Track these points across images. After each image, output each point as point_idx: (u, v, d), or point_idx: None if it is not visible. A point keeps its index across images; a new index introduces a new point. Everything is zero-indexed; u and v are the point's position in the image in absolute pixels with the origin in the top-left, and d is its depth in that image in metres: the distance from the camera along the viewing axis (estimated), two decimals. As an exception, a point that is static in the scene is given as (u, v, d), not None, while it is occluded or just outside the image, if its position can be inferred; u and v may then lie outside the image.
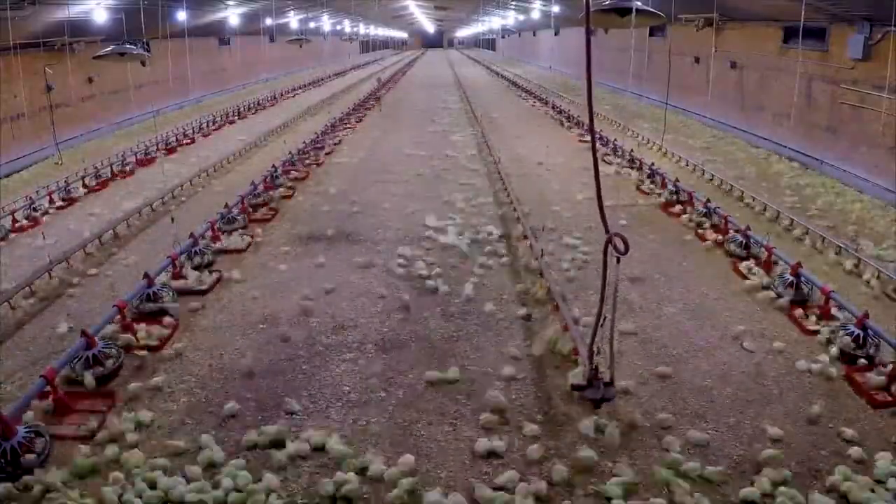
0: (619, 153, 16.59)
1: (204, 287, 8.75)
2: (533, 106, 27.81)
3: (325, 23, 44.61)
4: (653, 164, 14.58)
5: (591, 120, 5.23)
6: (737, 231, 10.08)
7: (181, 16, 21.20)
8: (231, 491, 5.07)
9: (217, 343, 7.41)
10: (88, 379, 6.45)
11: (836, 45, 13.96)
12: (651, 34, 24.55)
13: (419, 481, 5.15)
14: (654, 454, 5.46)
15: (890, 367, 6.40)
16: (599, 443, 5.58)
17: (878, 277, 8.70)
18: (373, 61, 65.44)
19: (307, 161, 16.45)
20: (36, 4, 14.14)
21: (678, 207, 12.08)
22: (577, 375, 6.26)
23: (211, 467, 5.34)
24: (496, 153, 16.58)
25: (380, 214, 12.18)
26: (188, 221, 11.24)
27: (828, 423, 5.87)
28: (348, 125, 22.71)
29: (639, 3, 7.91)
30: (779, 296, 8.22)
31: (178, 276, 8.89)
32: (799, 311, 7.87)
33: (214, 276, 9.10)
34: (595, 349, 5.62)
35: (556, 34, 42.72)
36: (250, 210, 12.11)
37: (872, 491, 4.95)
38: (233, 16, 26.67)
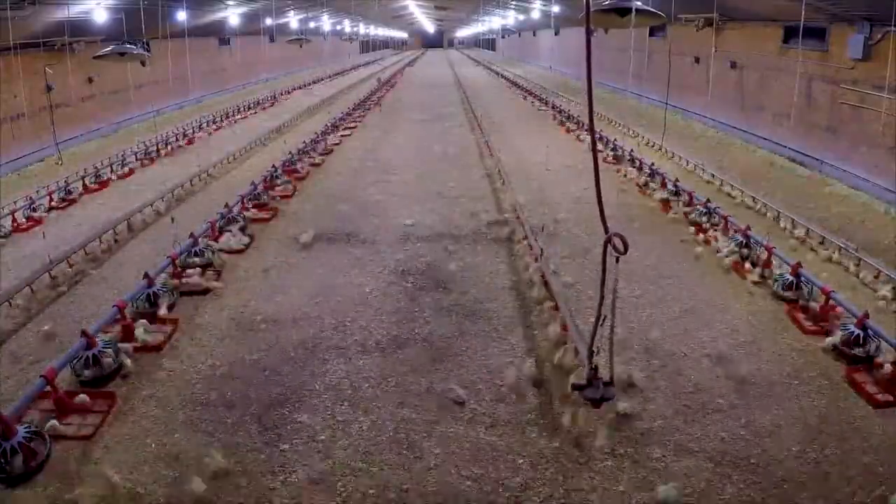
0: (619, 153, 16.61)
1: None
2: (533, 106, 27.82)
3: (325, 23, 44.61)
4: (653, 164, 14.58)
5: (591, 120, 5.22)
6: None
7: (181, 16, 21.20)
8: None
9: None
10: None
11: (836, 45, 13.96)
12: (651, 34, 24.56)
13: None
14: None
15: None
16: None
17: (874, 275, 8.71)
18: (373, 61, 65.44)
19: (306, 161, 16.44)
20: (36, 4, 14.14)
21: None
22: (577, 374, 6.27)
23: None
24: (496, 153, 16.58)
25: (379, 216, 12.19)
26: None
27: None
28: (348, 126, 22.70)
29: (639, 3, 7.92)
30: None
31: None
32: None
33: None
34: (594, 349, 5.61)
35: (556, 34, 42.73)
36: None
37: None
38: (233, 16, 26.68)
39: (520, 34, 60.79)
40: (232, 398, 6.32)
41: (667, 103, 16.77)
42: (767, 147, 17.02)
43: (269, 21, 30.27)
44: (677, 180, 12.99)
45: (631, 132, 19.91)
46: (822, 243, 10.09)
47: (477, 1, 47.22)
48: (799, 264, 8.44)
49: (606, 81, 30.57)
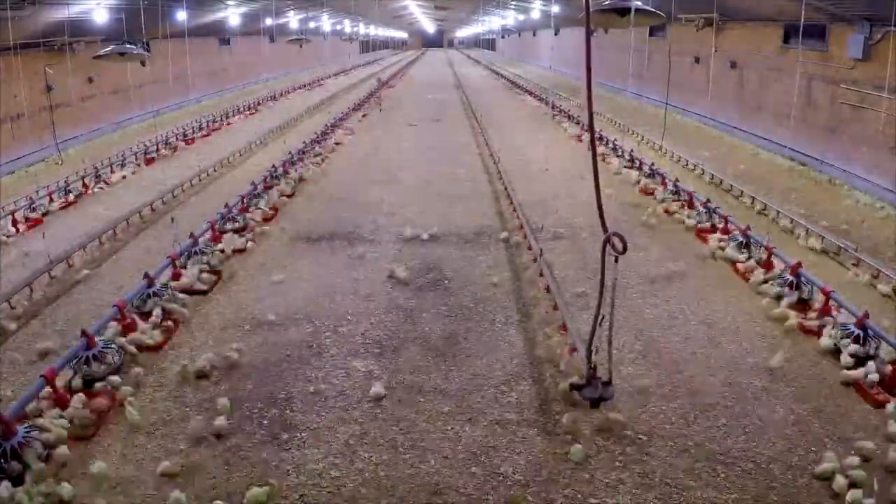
0: (619, 152, 16.62)
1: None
2: (532, 106, 27.81)
3: (325, 23, 44.60)
4: (653, 163, 14.59)
5: (591, 120, 5.23)
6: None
7: (181, 16, 21.20)
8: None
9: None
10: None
11: (836, 45, 13.96)
12: (651, 34, 24.56)
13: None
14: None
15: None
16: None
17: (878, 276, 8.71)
18: (373, 61, 65.44)
19: (305, 162, 16.44)
20: (36, 4, 14.13)
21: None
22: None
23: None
24: (496, 153, 16.58)
25: (378, 216, 12.19)
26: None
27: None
28: (348, 126, 22.69)
29: (638, 3, 7.91)
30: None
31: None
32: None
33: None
34: (593, 348, 5.62)
35: (555, 34, 42.71)
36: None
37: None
38: (233, 16, 26.67)
39: (520, 34, 60.78)
40: None
41: (667, 103, 16.75)
42: (767, 147, 17.02)
43: (269, 21, 30.27)
44: (677, 180, 13.00)
45: (630, 132, 19.92)
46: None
47: (477, 1, 47.20)
48: (799, 264, 8.44)
49: (606, 81, 30.57)
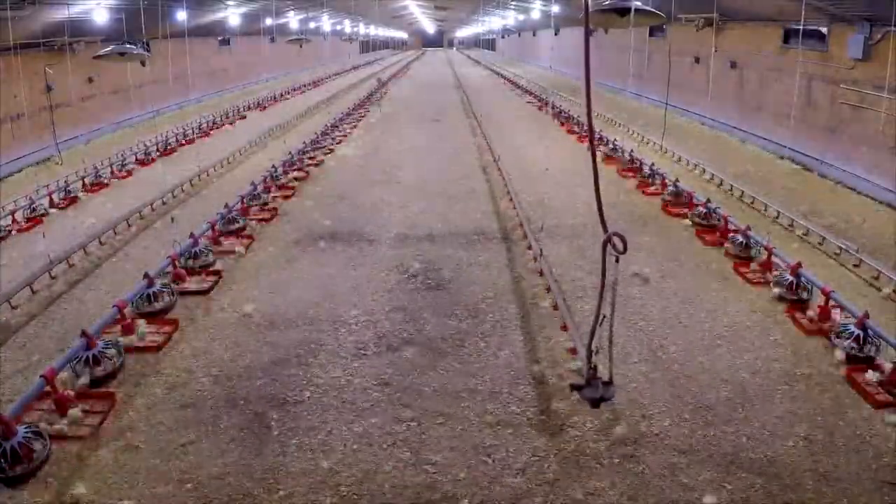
0: (620, 153, 16.62)
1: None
2: (532, 105, 27.80)
3: (325, 23, 44.60)
4: (653, 164, 14.58)
5: (590, 120, 5.21)
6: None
7: (181, 16, 21.20)
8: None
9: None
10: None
11: (836, 45, 13.95)
12: (651, 34, 24.56)
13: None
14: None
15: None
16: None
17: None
18: (373, 61, 65.45)
19: (305, 163, 16.43)
20: (36, 4, 14.13)
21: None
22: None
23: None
24: (496, 152, 16.56)
25: (378, 216, 12.19)
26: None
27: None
28: (348, 126, 22.68)
29: (638, 3, 7.90)
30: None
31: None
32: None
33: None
34: (594, 348, 5.60)
35: (555, 34, 42.71)
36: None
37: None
38: (233, 16, 26.67)
39: (520, 34, 60.79)
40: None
41: (667, 103, 16.76)
42: (767, 147, 17.01)
43: (269, 21, 30.26)
44: (677, 180, 12.99)
45: (630, 132, 19.92)
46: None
47: (477, 1, 47.20)
48: (799, 264, 8.44)
49: (606, 81, 30.57)
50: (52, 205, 12.73)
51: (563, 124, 22.21)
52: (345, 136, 20.77)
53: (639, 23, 8.13)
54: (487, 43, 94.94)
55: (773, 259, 9.09)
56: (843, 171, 13.82)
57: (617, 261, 5.09)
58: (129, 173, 15.76)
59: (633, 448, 5.63)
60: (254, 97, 29.43)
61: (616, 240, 5.05)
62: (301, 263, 9.81)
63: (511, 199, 12.52)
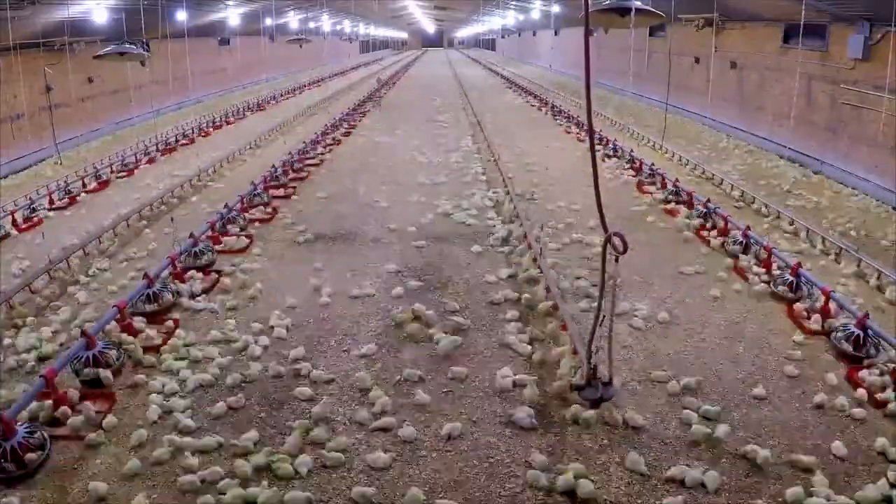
0: (619, 153, 16.63)
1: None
2: (533, 106, 27.78)
3: (325, 23, 44.60)
4: (653, 163, 14.58)
5: (590, 120, 5.23)
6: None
7: (181, 16, 21.19)
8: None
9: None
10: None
11: (836, 45, 13.95)
12: (651, 34, 24.55)
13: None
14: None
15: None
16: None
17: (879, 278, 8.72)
18: (373, 61, 65.41)
19: (305, 162, 16.43)
20: (36, 4, 14.13)
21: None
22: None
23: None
24: (496, 152, 16.56)
25: (377, 216, 12.19)
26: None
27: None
28: (347, 126, 22.67)
29: (638, 3, 7.91)
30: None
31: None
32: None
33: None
34: (594, 349, 5.61)
35: (555, 34, 42.73)
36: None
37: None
38: (233, 16, 26.66)
39: (520, 34, 60.80)
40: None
41: (667, 103, 16.75)
42: (767, 147, 17.01)
43: (269, 21, 30.26)
44: (677, 180, 12.99)
45: (631, 132, 19.92)
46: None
47: (477, 1, 47.22)
48: (799, 264, 8.44)
49: (606, 82, 30.56)
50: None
51: (563, 125, 22.15)
52: (344, 135, 20.76)
53: (639, 23, 8.15)
54: (487, 43, 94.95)
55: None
56: (843, 171, 13.82)
57: (617, 261, 5.11)
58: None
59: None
60: (253, 97, 29.46)
61: (616, 240, 5.06)
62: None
63: (513, 200, 12.52)
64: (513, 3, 42.19)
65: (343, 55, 57.88)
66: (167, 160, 17.26)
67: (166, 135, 19.43)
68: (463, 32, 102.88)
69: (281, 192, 13.57)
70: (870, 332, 6.88)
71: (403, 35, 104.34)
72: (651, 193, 13.19)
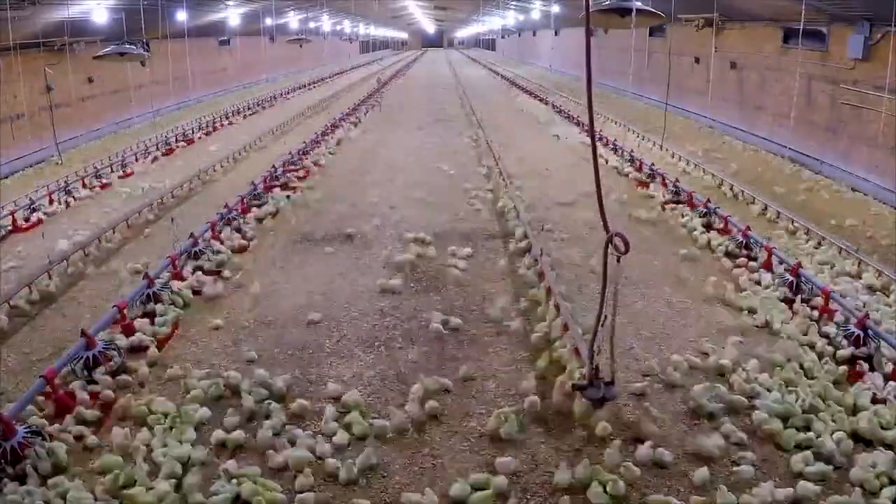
0: (619, 153, 16.64)
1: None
2: (532, 104, 27.81)
3: (325, 23, 44.60)
4: (653, 164, 14.59)
5: (591, 120, 5.24)
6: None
7: (181, 16, 21.19)
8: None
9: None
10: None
11: (836, 45, 13.95)
12: (651, 34, 24.55)
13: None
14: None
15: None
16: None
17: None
18: (373, 61, 65.41)
19: (305, 162, 16.42)
20: (36, 4, 14.13)
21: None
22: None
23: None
24: (496, 152, 16.56)
25: (377, 216, 12.18)
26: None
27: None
28: (347, 126, 22.66)
29: (639, 3, 7.92)
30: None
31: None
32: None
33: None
34: (596, 349, 5.62)
35: (555, 34, 42.73)
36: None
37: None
38: (233, 16, 26.67)
39: (520, 34, 60.79)
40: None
41: (667, 103, 16.75)
42: (767, 147, 17.01)
43: (269, 21, 30.27)
44: (677, 180, 13.00)
45: (631, 132, 19.92)
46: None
47: (477, 1, 47.24)
48: (799, 264, 8.44)
49: (606, 82, 30.55)
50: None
51: (561, 125, 22.18)
52: (344, 135, 20.75)
53: (639, 23, 8.16)
54: (487, 43, 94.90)
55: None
56: (843, 171, 13.82)
57: (618, 261, 5.11)
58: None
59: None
60: (253, 97, 29.47)
61: (618, 240, 5.07)
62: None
63: (514, 202, 12.52)
64: (513, 3, 42.20)
65: (343, 55, 57.83)
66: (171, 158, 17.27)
67: (165, 135, 19.45)
68: (463, 32, 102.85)
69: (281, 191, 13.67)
70: (870, 332, 6.89)
71: (403, 35, 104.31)
72: (652, 196, 13.21)
